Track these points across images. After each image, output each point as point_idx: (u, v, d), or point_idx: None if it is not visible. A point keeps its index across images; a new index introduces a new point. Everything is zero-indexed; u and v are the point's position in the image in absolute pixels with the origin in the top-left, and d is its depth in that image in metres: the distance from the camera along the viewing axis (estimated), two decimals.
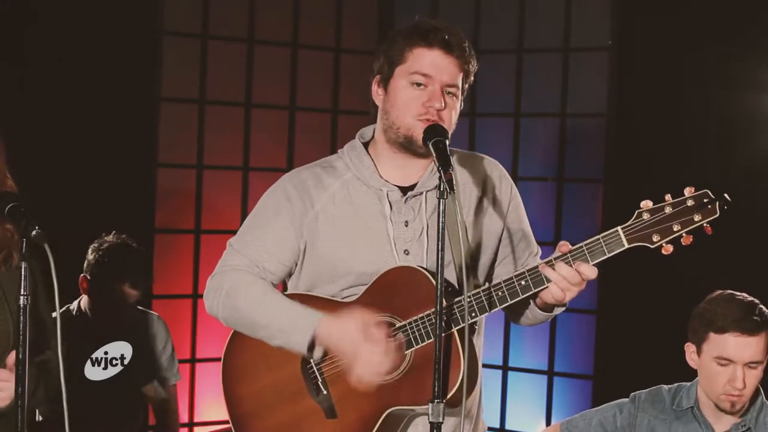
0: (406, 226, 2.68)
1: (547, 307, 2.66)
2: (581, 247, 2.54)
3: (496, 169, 2.79)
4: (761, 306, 3.07)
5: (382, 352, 2.54)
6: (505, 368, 5.78)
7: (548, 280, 2.54)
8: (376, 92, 2.71)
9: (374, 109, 2.74)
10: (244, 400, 2.75)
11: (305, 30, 5.81)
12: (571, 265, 2.52)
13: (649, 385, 3.28)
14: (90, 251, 4.10)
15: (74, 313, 4.12)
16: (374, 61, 2.72)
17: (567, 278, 2.52)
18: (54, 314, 2.54)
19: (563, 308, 2.67)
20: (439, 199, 2.40)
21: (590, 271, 2.53)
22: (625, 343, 5.34)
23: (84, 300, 4.13)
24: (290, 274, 2.78)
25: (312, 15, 5.82)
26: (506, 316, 2.85)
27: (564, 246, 2.56)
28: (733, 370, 3.03)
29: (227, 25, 5.64)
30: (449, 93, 2.62)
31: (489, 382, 5.65)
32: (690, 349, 3.15)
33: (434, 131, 2.54)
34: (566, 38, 5.66)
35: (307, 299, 2.69)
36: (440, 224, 2.41)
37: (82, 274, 4.09)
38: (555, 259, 2.54)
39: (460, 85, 2.65)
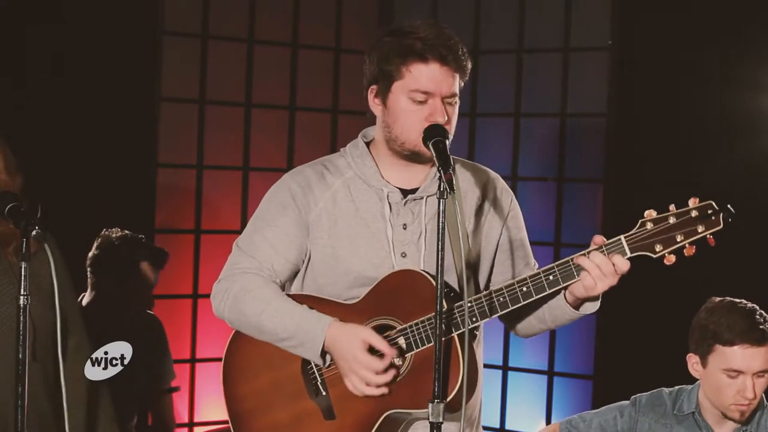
0: (404, 228, 2.68)
1: (578, 303, 2.63)
2: (584, 254, 2.54)
3: (498, 181, 2.80)
4: (761, 312, 3.05)
5: (377, 369, 2.54)
6: (505, 368, 5.78)
7: (580, 271, 2.52)
8: (374, 102, 2.69)
9: (372, 113, 2.73)
10: (244, 398, 2.75)
11: (305, 30, 5.81)
12: (605, 254, 2.51)
13: (650, 386, 3.26)
14: (97, 248, 4.09)
15: None
16: (364, 64, 2.70)
17: (600, 266, 2.51)
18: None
19: (594, 305, 2.62)
20: (438, 198, 2.40)
21: (623, 263, 2.51)
22: (625, 343, 5.33)
23: (86, 298, 4.12)
24: (296, 274, 2.78)
25: (312, 15, 5.82)
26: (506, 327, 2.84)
27: None
28: (743, 380, 3.01)
29: (227, 25, 5.64)
30: (449, 103, 2.62)
31: (489, 382, 5.65)
32: (692, 360, 3.12)
33: (434, 131, 2.54)
34: (566, 38, 5.65)
35: (311, 301, 2.69)
36: (440, 224, 2.41)
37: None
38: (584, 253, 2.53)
39: (458, 90, 2.65)
